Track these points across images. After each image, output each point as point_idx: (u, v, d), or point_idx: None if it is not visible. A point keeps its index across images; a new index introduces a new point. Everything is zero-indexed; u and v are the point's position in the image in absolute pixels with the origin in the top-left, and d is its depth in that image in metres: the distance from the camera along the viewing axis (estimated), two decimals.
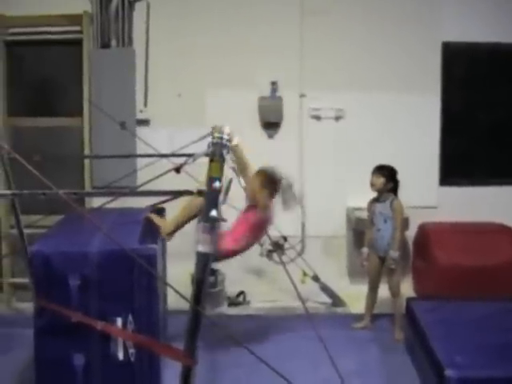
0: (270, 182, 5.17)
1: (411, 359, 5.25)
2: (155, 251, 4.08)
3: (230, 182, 2.89)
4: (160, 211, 5.43)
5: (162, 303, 4.99)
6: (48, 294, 4.06)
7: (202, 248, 2.95)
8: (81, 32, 6.75)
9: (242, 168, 4.80)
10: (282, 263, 3.86)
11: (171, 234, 5.07)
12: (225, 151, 2.87)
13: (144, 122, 6.87)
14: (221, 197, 2.86)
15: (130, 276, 4.04)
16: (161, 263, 4.64)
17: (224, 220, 2.91)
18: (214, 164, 2.89)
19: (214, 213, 2.88)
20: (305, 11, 6.79)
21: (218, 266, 6.34)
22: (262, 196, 5.06)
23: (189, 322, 2.81)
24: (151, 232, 4.69)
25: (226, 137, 2.89)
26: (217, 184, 2.86)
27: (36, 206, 5.85)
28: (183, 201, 4.96)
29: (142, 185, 3.90)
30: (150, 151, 5.48)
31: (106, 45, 6.80)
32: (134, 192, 4.82)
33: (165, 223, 5.05)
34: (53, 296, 4.05)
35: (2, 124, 6.66)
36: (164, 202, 5.46)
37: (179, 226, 5.06)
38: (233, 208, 4.36)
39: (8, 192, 3.47)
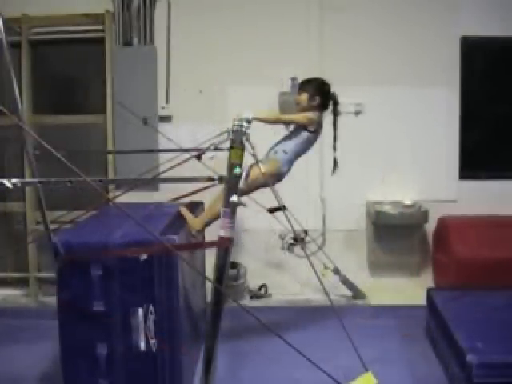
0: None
1: (432, 348, 5.31)
2: (175, 242, 4.12)
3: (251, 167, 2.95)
4: (197, 205, 5.49)
5: (197, 295, 5.09)
6: (70, 283, 4.16)
7: (223, 233, 3.04)
8: (103, 31, 6.85)
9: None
10: (306, 256, 3.93)
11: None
12: (244, 138, 2.95)
13: (166, 119, 6.96)
14: (241, 182, 2.94)
15: (151, 266, 4.11)
16: (189, 253, 4.70)
17: (244, 205, 2.99)
18: (234, 150, 2.98)
19: (234, 198, 2.96)
20: (324, 7, 6.86)
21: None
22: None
23: (211, 302, 2.88)
24: (177, 224, 4.74)
25: (245, 124, 2.97)
26: (237, 170, 2.94)
27: (61, 202, 6.01)
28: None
29: (164, 172, 3.98)
30: (173, 148, 5.56)
31: (127, 43, 6.89)
32: (157, 179, 4.89)
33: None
34: (75, 285, 4.16)
35: (27, 122, 6.76)
36: (185, 196, 5.54)
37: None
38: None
39: (35, 180, 3.55)
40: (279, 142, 5.17)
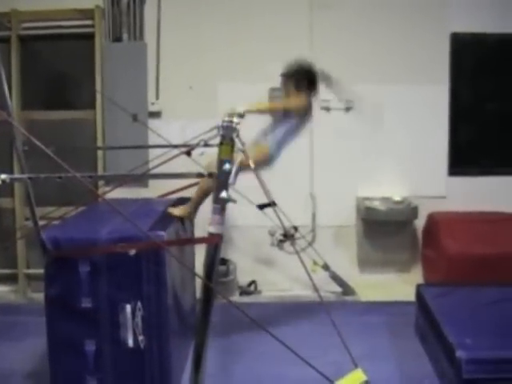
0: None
1: (421, 344, 5.33)
2: (163, 238, 4.14)
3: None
4: (186, 201, 5.48)
5: (187, 291, 5.08)
6: (58, 279, 4.15)
7: (212, 229, 3.03)
8: (93, 26, 6.83)
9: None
10: (296, 252, 3.92)
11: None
12: (234, 134, 2.95)
13: (156, 115, 6.94)
14: (231, 178, 2.94)
15: (139, 263, 4.11)
16: (178, 250, 4.69)
17: (234, 201, 2.99)
18: (224, 147, 2.97)
19: (224, 194, 2.96)
20: (314, 4, 6.85)
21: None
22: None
23: (201, 298, 2.88)
24: (166, 220, 4.74)
25: (236, 120, 2.97)
26: (227, 166, 2.94)
27: (50, 198, 5.99)
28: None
29: (153, 168, 3.97)
30: (162, 143, 5.56)
31: (117, 38, 6.88)
32: (146, 175, 4.88)
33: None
34: (63, 281, 4.15)
35: (16, 118, 6.73)
36: (174, 192, 5.53)
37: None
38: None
39: (24, 176, 3.54)
40: (268, 129, 5.17)
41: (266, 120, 5.31)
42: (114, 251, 4.01)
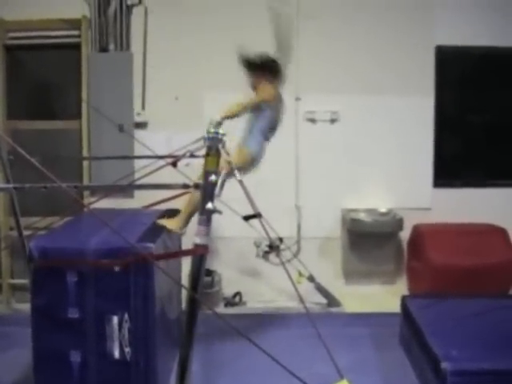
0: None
1: (406, 355, 5.32)
2: (151, 250, 4.11)
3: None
4: (174, 212, 5.46)
5: (172, 303, 5.06)
6: (45, 289, 4.13)
7: (198, 240, 3.04)
8: (79, 36, 6.83)
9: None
10: (282, 263, 3.93)
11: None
12: (220, 145, 2.95)
13: (142, 125, 6.93)
14: (216, 190, 2.95)
15: (127, 274, 4.08)
16: (165, 261, 4.66)
17: (220, 212, 2.99)
18: (210, 158, 2.98)
19: (210, 205, 2.96)
20: (299, 15, 6.87)
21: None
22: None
23: (186, 309, 2.87)
24: (154, 231, 4.71)
25: (221, 131, 2.97)
26: (213, 177, 2.95)
27: (35, 208, 5.97)
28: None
29: (139, 178, 3.96)
30: (148, 154, 5.55)
31: (104, 49, 6.88)
32: (132, 186, 4.87)
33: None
34: (50, 291, 4.12)
35: (2, 127, 6.72)
36: (159, 202, 5.52)
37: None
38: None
39: (9, 185, 3.53)
40: (246, 131, 5.22)
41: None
42: (103, 265, 3.99)
